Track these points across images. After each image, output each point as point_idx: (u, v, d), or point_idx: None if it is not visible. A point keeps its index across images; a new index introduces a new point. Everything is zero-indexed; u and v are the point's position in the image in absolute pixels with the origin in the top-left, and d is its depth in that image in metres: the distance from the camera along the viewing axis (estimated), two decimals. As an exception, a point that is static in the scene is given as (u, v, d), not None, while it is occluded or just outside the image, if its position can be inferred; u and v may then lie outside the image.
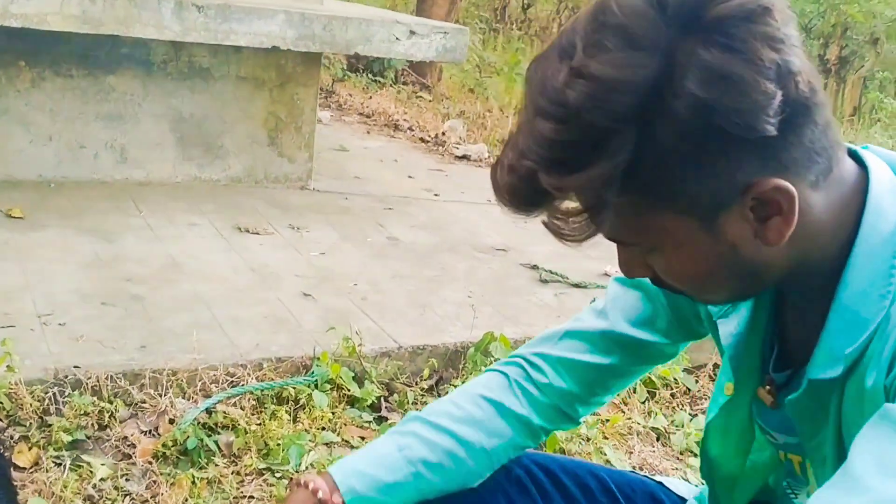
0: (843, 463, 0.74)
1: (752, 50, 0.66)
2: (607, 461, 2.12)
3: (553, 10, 19.48)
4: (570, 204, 0.74)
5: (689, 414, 2.42)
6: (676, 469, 2.20)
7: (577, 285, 2.82)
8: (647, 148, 0.68)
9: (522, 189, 0.73)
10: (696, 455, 2.29)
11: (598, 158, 0.68)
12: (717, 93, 0.66)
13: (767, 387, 0.91)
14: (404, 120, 5.81)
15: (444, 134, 5.51)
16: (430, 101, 6.94)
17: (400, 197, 3.69)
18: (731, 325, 0.92)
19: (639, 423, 2.28)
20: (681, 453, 2.29)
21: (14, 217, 2.68)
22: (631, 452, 2.20)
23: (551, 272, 2.88)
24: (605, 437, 2.18)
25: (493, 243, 3.21)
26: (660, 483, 1.20)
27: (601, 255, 3.26)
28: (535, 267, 2.94)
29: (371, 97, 6.48)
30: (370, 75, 7.16)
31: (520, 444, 1.09)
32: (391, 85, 7.11)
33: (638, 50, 0.66)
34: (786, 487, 0.99)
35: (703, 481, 1.09)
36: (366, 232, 3.13)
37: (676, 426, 2.37)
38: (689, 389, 2.49)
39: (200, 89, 3.14)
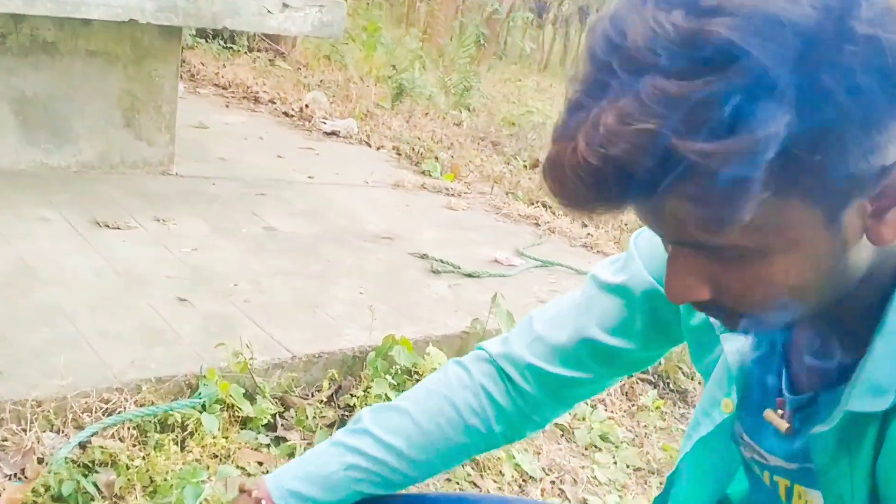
0: (872, 498, 0.71)
1: None
2: (517, 465, 2.05)
3: (403, -26, 19.27)
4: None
5: (590, 406, 2.39)
6: (584, 467, 2.16)
7: (470, 275, 2.72)
8: (805, 117, 0.55)
9: (632, 174, 0.57)
10: (600, 449, 2.26)
11: (753, 120, 0.54)
12: (888, 43, 0.55)
13: (779, 411, 0.83)
14: (264, 92, 5.50)
15: (307, 107, 5.25)
16: (286, 69, 6.63)
17: (272, 180, 3.46)
18: (738, 341, 0.84)
19: (544, 422, 2.22)
20: (586, 448, 2.25)
21: None
22: (539, 453, 2.14)
23: (442, 262, 2.76)
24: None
25: (377, 231, 3.05)
26: None
27: (487, 239, 3.19)
28: (424, 256, 2.81)
29: (225, 66, 6.10)
30: (221, 42, 6.75)
31: (473, 453, 1.08)
32: (245, 52, 6.73)
33: None
34: None
35: None
36: (239, 222, 2.90)
37: (579, 420, 2.33)
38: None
39: (45, 66, 2.78)
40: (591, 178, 0.59)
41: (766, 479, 0.89)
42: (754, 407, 0.86)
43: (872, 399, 0.69)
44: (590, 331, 0.99)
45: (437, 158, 4.39)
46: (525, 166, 4.87)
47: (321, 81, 6.39)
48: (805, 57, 0.55)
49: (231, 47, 6.70)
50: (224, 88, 5.45)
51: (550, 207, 3.82)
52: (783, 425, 0.82)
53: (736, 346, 0.85)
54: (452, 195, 3.74)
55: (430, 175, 4.07)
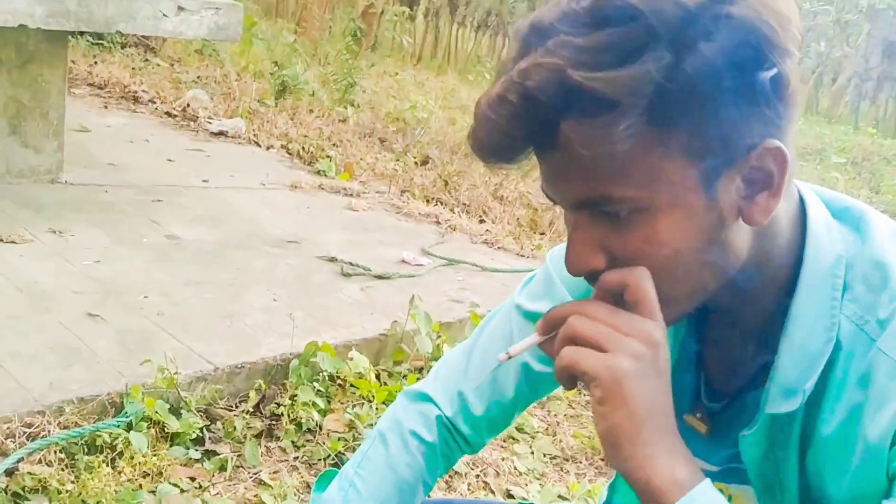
0: (803, 487, 0.80)
1: (786, 8, 0.70)
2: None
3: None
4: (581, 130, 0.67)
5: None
6: (504, 459, 2.25)
7: (381, 277, 2.76)
8: (682, 69, 0.66)
9: (538, 102, 0.67)
10: (517, 441, 2.36)
11: (637, 61, 0.65)
12: (764, 19, 0.67)
13: (698, 414, 0.91)
14: (143, 91, 5.32)
15: (189, 106, 5.13)
16: (161, 65, 6.43)
17: (166, 185, 3.38)
18: None
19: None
20: (504, 441, 2.34)
21: None
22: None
23: (352, 264, 2.79)
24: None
25: (282, 235, 3.04)
26: None
27: (392, 240, 3.23)
28: (334, 259, 2.83)
29: (97, 63, 5.86)
30: (89, 38, 6.46)
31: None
32: (117, 49, 6.47)
33: None
34: None
35: None
36: (139, 231, 2.83)
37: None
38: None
39: (-80, 71, 2.62)
40: (506, 113, 0.68)
41: None
42: (676, 412, 0.95)
43: (786, 401, 0.79)
44: (525, 359, 1.02)
45: (329, 158, 4.38)
46: (416, 163, 4.93)
47: (198, 77, 6.22)
48: (687, 25, 0.66)
49: (100, 43, 6.42)
50: (100, 88, 5.24)
51: (449, 205, 3.90)
52: (702, 428, 0.90)
53: None
54: (351, 195, 3.76)
55: (326, 175, 4.07)
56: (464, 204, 4.13)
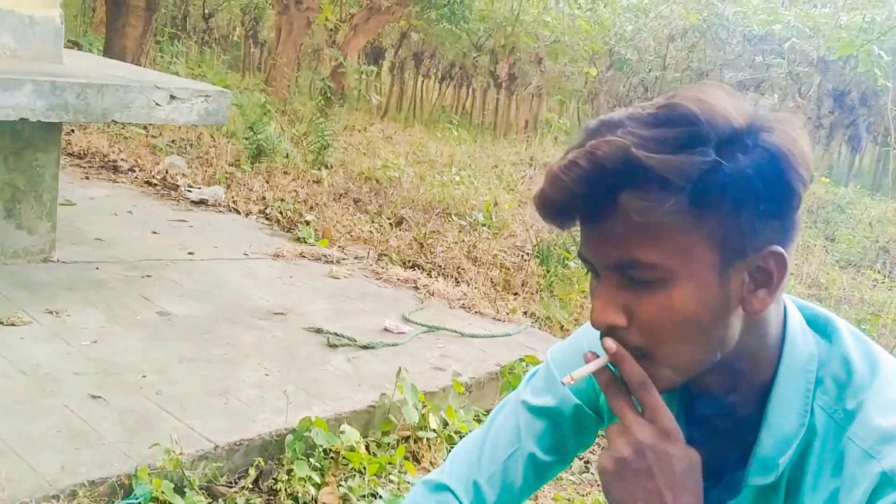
0: None
1: (806, 146, 0.87)
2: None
3: (236, 19, 19.13)
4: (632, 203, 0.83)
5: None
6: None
7: (365, 347, 2.89)
8: (722, 169, 0.82)
9: (604, 169, 0.82)
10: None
11: (689, 152, 0.81)
12: (789, 149, 0.84)
13: None
14: (122, 160, 5.45)
15: (168, 173, 5.25)
16: (136, 131, 6.55)
17: (154, 260, 3.50)
18: None
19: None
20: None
21: None
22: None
23: (338, 335, 2.92)
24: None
25: (268, 307, 3.17)
26: None
27: (373, 308, 3.37)
28: (319, 330, 2.96)
29: (73, 131, 5.97)
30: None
31: None
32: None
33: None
34: None
35: None
36: (132, 308, 2.94)
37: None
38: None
39: (-78, 162, 2.74)
40: (574, 176, 0.84)
41: None
42: None
43: (765, 475, 0.94)
44: (532, 450, 1.16)
45: (308, 223, 4.53)
46: (391, 224, 5.09)
47: (173, 142, 6.36)
48: (732, 138, 0.83)
49: (76, 110, 6.53)
50: (80, 158, 5.36)
51: (426, 269, 4.06)
52: None
53: None
54: (332, 262, 3.90)
55: (306, 242, 4.21)
56: (440, 266, 4.29)
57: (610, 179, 0.83)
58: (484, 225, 5.50)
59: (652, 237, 0.84)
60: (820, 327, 0.97)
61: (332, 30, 13.30)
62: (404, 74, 17.74)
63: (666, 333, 0.88)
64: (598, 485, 2.59)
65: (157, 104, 2.83)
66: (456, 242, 4.78)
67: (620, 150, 0.82)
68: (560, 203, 0.87)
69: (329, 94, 9.40)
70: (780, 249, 0.87)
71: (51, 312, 2.76)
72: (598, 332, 1.00)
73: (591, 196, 0.85)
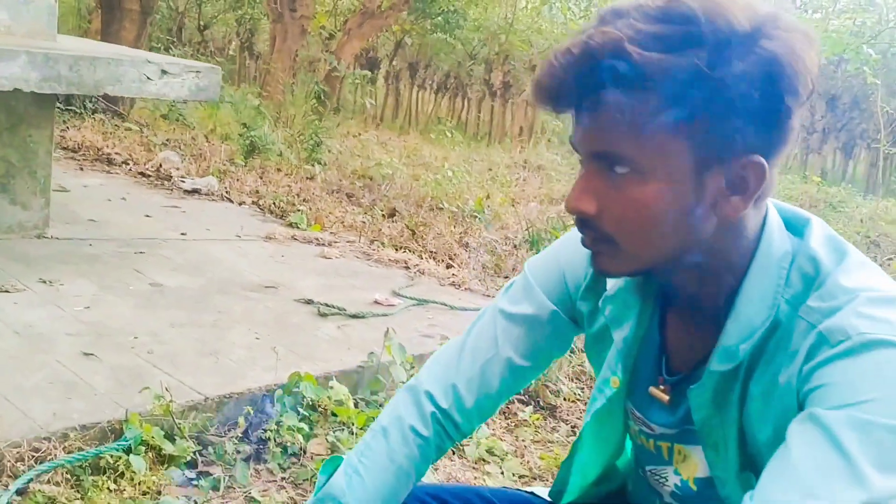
0: (741, 443, 0.97)
1: (808, 59, 0.87)
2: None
3: (231, 31, 19.23)
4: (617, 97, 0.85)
5: (475, 425, 2.65)
6: (476, 478, 2.41)
7: (355, 316, 2.93)
8: (712, 73, 0.82)
9: (594, 59, 0.84)
10: (488, 462, 2.52)
11: (680, 53, 0.82)
12: (786, 59, 0.84)
13: (661, 386, 1.09)
14: (116, 153, 5.50)
15: (161, 166, 5.31)
16: (131, 130, 6.61)
17: (147, 239, 3.54)
18: (624, 331, 1.09)
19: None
20: (476, 462, 2.50)
21: None
22: (436, 468, 2.37)
23: (327, 305, 2.96)
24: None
25: (260, 281, 3.21)
26: (531, 493, 1.38)
27: (364, 284, 3.41)
28: (310, 301, 3.01)
29: (68, 128, 6.03)
30: (59, 104, 6.63)
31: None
32: (86, 114, 6.64)
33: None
34: (649, 473, 1.20)
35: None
36: (125, 280, 2.98)
37: (468, 438, 2.59)
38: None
39: (-84, 134, 2.78)
40: (566, 62, 0.86)
41: (650, 446, 1.16)
42: (642, 386, 1.14)
43: (726, 361, 0.97)
44: (509, 355, 1.19)
45: (301, 211, 4.58)
46: (383, 215, 5.14)
47: (168, 140, 6.42)
48: (728, 41, 0.83)
49: (71, 109, 6.60)
50: (74, 151, 5.41)
51: (416, 252, 4.10)
52: (664, 398, 1.09)
53: (622, 335, 1.11)
54: (324, 244, 3.95)
55: (298, 227, 4.25)
56: (431, 251, 4.33)
57: (598, 71, 0.85)
58: (475, 216, 5.55)
59: (632, 132, 0.86)
60: (797, 228, 0.99)
61: (327, 38, 13.41)
62: (399, 84, 17.84)
63: (633, 225, 0.91)
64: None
65: (148, 78, 2.89)
66: (448, 230, 4.83)
67: (613, 42, 0.84)
68: (550, 87, 0.89)
69: (323, 98, 9.47)
70: (761, 160, 0.88)
71: (44, 282, 2.80)
72: (575, 245, 1.04)
73: (579, 84, 0.87)
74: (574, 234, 1.08)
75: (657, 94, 0.84)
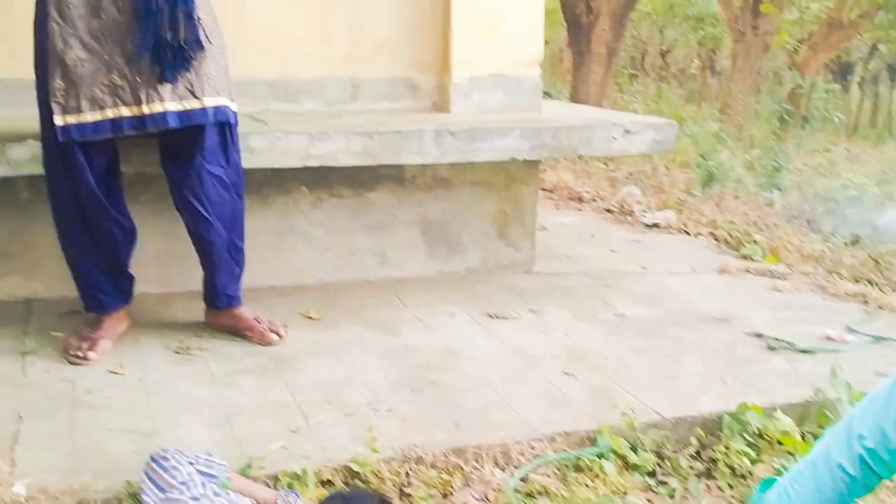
0: None
1: None
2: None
3: (692, 52, 19.47)
4: None
5: None
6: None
7: (805, 351, 3.07)
8: None
9: None
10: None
11: None
12: None
13: None
14: (585, 191, 6.20)
15: (624, 201, 5.85)
16: (598, 166, 7.31)
17: (612, 272, 4.05)
18: None
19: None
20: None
21: (312, 318, 3.23)
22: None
23: (777, 339, 3.14)
24: None
25: (712, 313, 3.50)
26: None
27: (816, 318, 3.50)
28: (759, 335, 3.21)
29: (545, 170, 6.91)
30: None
31: None
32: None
33: None
34: None
35: None
36: (595, 310, 3.51)
37: None
38: None
39: (442, 196, 3.63)
40: None
41: None
42: None
43: None
44: None
45: (755, 242, 4.73)
46: (845, 243, 5.03)
47: (630, 174, 6.98)
48: None
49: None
50: (551, 191, 6.23)
51: (878, 284, 4.01)
52: None
53: None
54: (777, 277, 4.08)
55: (752, 259, 4.43)
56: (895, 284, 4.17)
57: None
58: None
59: None
60: None
61: (792, 51, 13.00)
62: (877, 87, 16.43)
63: None
64: None
65: (613, 138, 3.38)
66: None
67: None
68: None
69: (785, 117, 9.30)
70: None
71: (532, 311, 3.44)
72: None
73: None
74: None
75: None
